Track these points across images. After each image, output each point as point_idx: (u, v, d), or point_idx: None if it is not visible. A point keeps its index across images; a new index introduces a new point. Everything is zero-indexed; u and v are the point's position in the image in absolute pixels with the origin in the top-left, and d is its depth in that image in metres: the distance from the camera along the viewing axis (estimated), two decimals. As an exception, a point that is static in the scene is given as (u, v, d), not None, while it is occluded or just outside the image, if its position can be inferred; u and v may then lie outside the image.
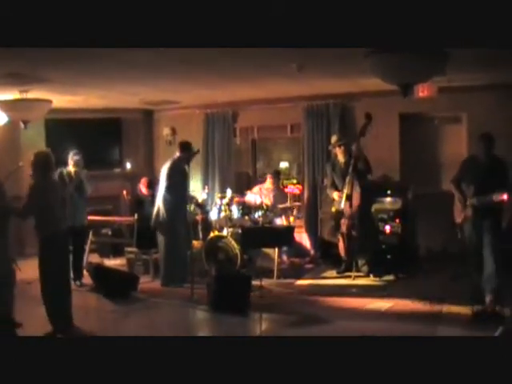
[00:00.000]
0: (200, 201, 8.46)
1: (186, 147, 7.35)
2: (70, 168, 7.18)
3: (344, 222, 7.30)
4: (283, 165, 10.54)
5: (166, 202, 7.25)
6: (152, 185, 8.69)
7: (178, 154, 7.37)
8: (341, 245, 7.38)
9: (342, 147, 7.47)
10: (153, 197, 7.78)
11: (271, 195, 8.38)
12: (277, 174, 8.76)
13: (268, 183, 8.61)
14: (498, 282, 5.74)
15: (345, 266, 7.64)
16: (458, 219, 6.13)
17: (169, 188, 7.22)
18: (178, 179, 7.18)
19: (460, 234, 6.36)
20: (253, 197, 8.42)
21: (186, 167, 6.91)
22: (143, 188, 9.09)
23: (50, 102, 7.40)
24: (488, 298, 5.73)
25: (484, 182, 5.87)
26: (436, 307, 5.98)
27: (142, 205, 8.60)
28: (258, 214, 7.74)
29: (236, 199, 8.08)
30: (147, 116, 10.70)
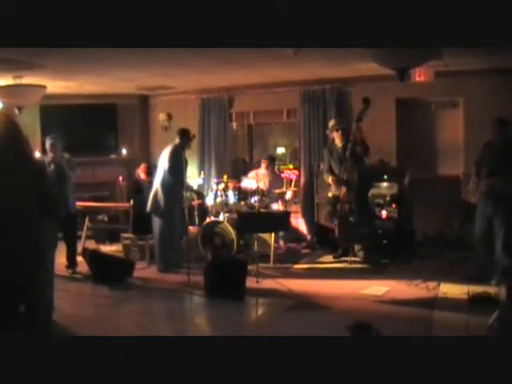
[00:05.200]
0: (196, 187, 8.43)
1: (184, 133, 7.35)
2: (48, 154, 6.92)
3: (340, 207, 7.29)
4: (280, 150, 10.52)
5: (164, 186, 7.24)
6: (151, 171, 8.65)
7: (177, 140, 7.36)
8: (337, 230, 7.37)
9: (340, 131, 7.43)
10: (150, 183, 7.75)
11: (266, 180, 8.37)
12: (271, 159, 8.74)
13: (262, 168, 8.60)
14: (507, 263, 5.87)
15: (341, 251, 7.65)
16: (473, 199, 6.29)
17: (169, 172, 7.20)
18: (177, 165, 7.17)
19: (461, 218, 6.48)
20: (249, 182, 8.41)
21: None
22: (142, 174, 9.05)
23: (44, 87, 7.35)
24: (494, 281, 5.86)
25: (494, 165, 5.96)
26: (432, 291, 5.99)
27: (139, 190, 8.57)
28: (254, 199, 7.73)
29: (232, 184, 8.06)
30: (143, 101, 10.65)
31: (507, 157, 5.94)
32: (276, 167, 9.59)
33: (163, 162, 7.32)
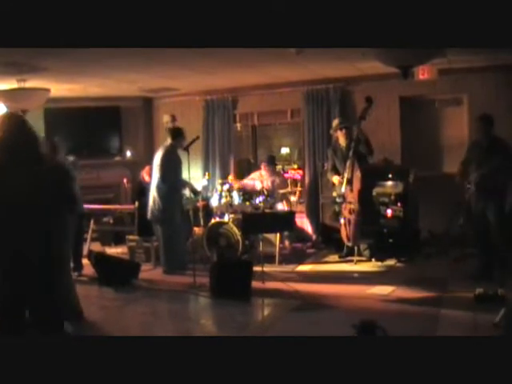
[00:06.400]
0: (200, 188, 8.43)
1: (176, 134, 7.35)
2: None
3: (345, 207, 7.28)
4: (284, 150, 10.51)
5: (159, 190, 7.23)
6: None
7: (169, 141, 7.35)
8: (342, 229, 7.36)
9: (344, 130, 7.42)
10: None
11: (269, 181, 8.33)
12: (271, 160, 8.66)
13: (262, 169, 8.55)
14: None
15: (347, 251, 7.64)
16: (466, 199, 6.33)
17: (162, 176, 7.20)
18: (170, 167, 7.17)
19: (462, 218, 6.53)
20: (250, 182, 8.41)
21: (185, 154, 6.86)
22: (146, 176, 9.05)
23: (48, 90, 7.36)
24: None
25: (482, 161, 6.04)
26: (438, 290, 5.97)
27: (143, 192, 8.58)
28: (258, 200, 7.72)
29: (236, 185, 8.06)
30: (147, 104, 10.65)
31: (494, 153, 6.01)
32: (280, 167, 9.59)
33: (156, 167, 7.30)
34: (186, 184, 7.54)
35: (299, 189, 8.65)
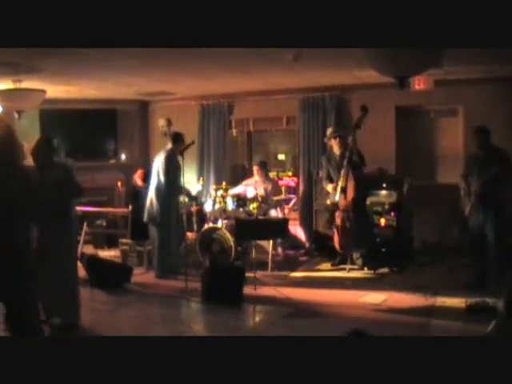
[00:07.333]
0: (194, 193, 8.43)
1: (178, 139, 7.35)
2: None
3: (338, 215, 7.27)
4: (279, 157, 10.50)
5: (159, 194, 7.23)
6: (147, 177, 8.65)
7: (170, 145, 7.35)
8: (335, 237, 7.36)
9: (338, 139, 7.42)
10: (148, 189, 7.75)
11: (262, 187, 8.30)
12: (263, 165, 8.57)
13: (256, 175, 8.49)
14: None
15: (339, 259, 7.63)
16: (466, 210, 6.30)
17: (162, 180, 7.20)
18: (171, 171, 7.18)
19: (457, 228, 6.53)
20: (242, 188, 8.39)
21: (179, 158, 6.88)
22: (138, 180, 9.05)
23: (44, 91, 7.35)
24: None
25: (480, 171, 6.09)
26: (430, 300, 5.98)
27: (137, 196, 8.57)
28: (252, 206, 7.71)
29: (228, 191, 8.05)
30: (143, 107, 10.66)
31: (492, 162, 6.05)
32: (275, 174, 9.58)
33: (156, 170, 7.30)
34: (184, 190, 7.55)
35: (293, 196, 8.64)
